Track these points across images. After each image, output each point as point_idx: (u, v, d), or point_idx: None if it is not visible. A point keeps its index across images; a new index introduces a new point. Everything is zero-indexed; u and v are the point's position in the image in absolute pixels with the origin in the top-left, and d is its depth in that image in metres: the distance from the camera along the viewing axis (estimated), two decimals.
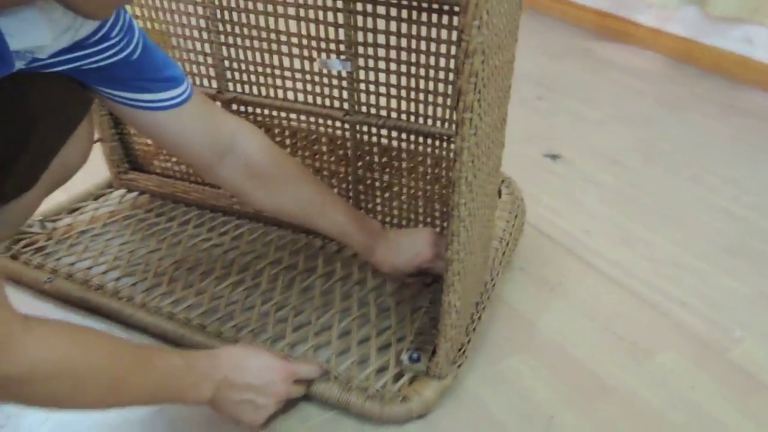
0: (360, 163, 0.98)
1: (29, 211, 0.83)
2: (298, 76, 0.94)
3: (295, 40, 0.90)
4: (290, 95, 0.98)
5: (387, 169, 0.96)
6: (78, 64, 0.66)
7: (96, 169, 1.16)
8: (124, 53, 0.69)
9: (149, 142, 1.07)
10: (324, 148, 0.99)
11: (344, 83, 0.91)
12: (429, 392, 0.79)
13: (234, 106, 0.99)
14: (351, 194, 1.02)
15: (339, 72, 0.88)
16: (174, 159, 1.08)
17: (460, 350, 0.84)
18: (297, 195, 0.83)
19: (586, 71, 2.04)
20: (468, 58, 0.54)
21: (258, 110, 0.99)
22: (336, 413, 0.80)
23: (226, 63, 0.96)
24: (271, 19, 0.90)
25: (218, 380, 0.67)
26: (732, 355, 0.95)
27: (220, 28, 0.93)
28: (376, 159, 0.96)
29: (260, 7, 0.89)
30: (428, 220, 1.01)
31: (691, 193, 1.38)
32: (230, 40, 0.94)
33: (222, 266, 1.00)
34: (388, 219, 1.04)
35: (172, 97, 0.73)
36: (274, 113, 0.99)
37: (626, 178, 1.42)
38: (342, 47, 0.87)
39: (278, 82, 0.96)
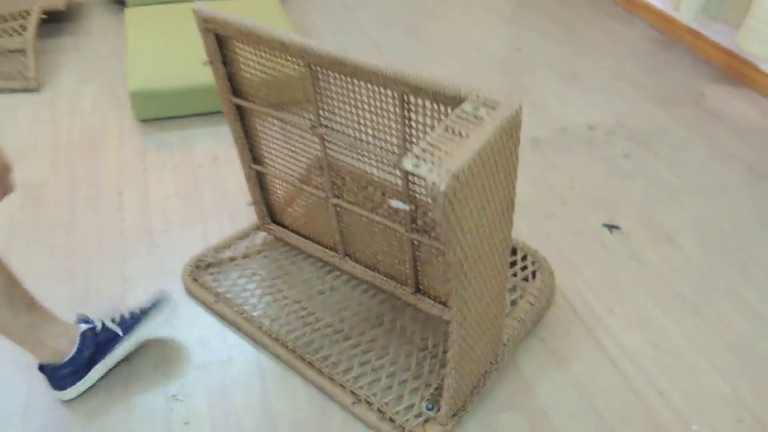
0: None
1: None
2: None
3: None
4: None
5: None
6: None
7: (251, 218, 1.66)
8: None
9: (281, 200, 1.52)
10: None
11: None
12: None
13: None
14: None
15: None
16: (296, 217, 1.52)
17: (462, 406, 1.23)
18: None
19: (688, 125, 2.17)
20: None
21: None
22: None
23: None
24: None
25: None
26: None
27: None
28: None
29: None
30: None
31: (726, 283, 1.58)
32: None
33: (322, 308, 1.45)
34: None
35: None
36: None
37: (672, 260, 1.64)
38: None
39: None
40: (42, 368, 1.23)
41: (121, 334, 1.29)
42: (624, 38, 2.76)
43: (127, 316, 1.32)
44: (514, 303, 1.44)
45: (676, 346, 1.43)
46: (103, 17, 2.78)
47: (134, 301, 1.48)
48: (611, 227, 1.75)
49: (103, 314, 1.33)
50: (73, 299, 1.47)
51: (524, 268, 1.50)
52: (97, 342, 1.26)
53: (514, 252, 1.54)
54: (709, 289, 1.57)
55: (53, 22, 2.70)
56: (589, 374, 1.36)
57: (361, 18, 2.88)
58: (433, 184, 0.75)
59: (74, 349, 1.22)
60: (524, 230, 1.72)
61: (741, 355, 1.41)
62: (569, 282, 1.57)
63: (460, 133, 0.82)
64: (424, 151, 0.79)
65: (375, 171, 1.20)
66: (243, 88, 1.28)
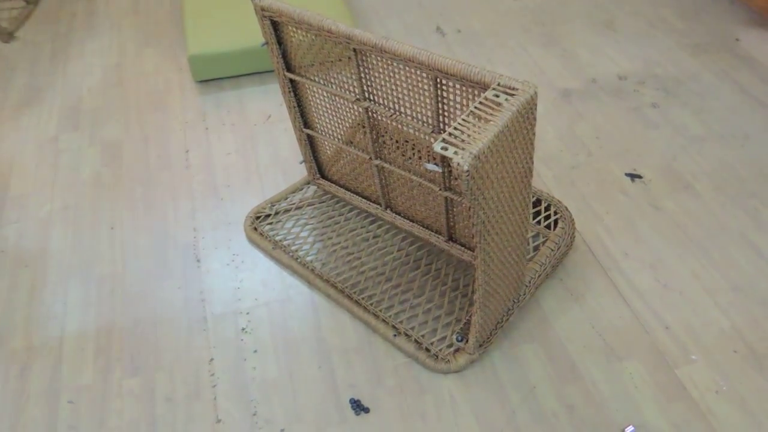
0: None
1: None
2: None
3: None
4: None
5: None
6: None
7: (302, 173, 1.86)
8: None
9: (328, 157, 1.71)
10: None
11: None
12: (462, 360, 1.41)
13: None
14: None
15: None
16: (343, 173, 1.70)
17: (488, 338, 1.44)
18: None
19: (718, 73, 2.24)
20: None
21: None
22: (410, 360, 1.46)
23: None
24: None
25: None
26: (679, 372, 1.42)
27: None
28: None
29: None
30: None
31: (738, 227, 1.72)
32: None
33: (366, 254, 1.65)
34: None
35: None
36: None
37: (688, 206, 1.78)
38: None
39: None
40: None
41: None
42: None
43: None
44: (536, 248, 1.61)
45: (683, 285, 1.59)
46: None
47: (204, 247, 1.71)
48: (633, 176, 1.88)
49: None
50: (152, 245, 1.72)
51: (547, 216, 1.67)
52: None
53: (538, 203, 1.70)
54: (720, 232, 1.71)
55: None
56: (602, 310, 1.54)
57: None
58: (458, 164, 0.92)
59: None
60: (551, 180, 1.87)
61: (743, 293, 1.56)
62: (590, 228, 1.73)
63: (482, 118, 0.98)
64: (451, 135, 0.96)
65: (412, 136, 1.37)
66: (295, 63, 1.45)
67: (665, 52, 2.34)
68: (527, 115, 1.03)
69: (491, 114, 0.99)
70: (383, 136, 1.47)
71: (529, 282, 1.51)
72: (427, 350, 1.43)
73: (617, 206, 1.80)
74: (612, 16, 2.56)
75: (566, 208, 1.68)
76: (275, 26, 1.36)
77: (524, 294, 1.50)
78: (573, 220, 1.66)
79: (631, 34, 2.45)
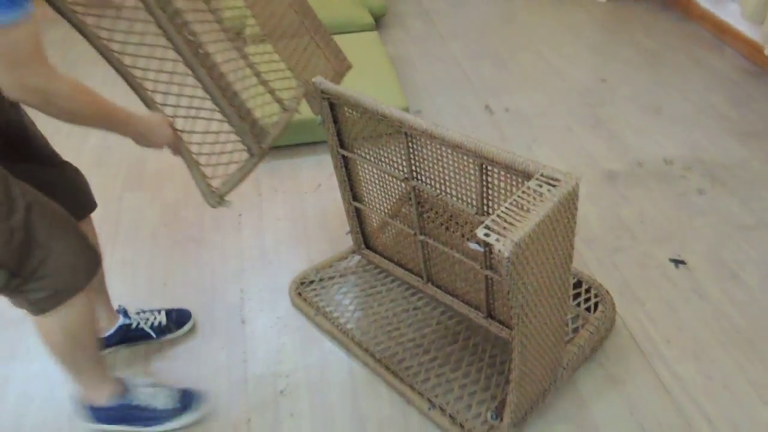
0: None
1: None
2: None
3: None
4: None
5: None
6: None
7: (348, 242, 1.93)
8: None
9: (374, 229, 1.77)
10: None
11: None
12: None
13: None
14: None
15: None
16: (387, 245, 1.76)
17: (523, 418, 1.43)
18: None
19: (766, 160, 2.24)
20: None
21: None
22: None
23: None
24: None
25: (142, 126, 1.20)
26: None
27: None
28: None
29: None
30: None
31: None
32: None
33: (405, 325, 1.68)
34: None
35: None
36: None
37: (734, 296, 1.76)
38: None
39: None
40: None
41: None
42: (711, 67, 2.81)
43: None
44: (576, 330, 1.61)
45: (728, 377, 1.56)
46: None
47: (250, 309, 1.77)
48: (678, 262, 1.88)
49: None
50: (201, 304, 1.79)
51: (588, 299, 1.68)
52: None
53: (579, 284, 1.71)
54: (767, 324, 1.68)
55: None
56: (642, 398, 1.52)
57: (454, 48, 3.09)
58: (499, 251, 0.97)
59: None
60: (593, 262, 1.88)
61: None
62: (631, 312, 1.72)
63: (524, 207, 1.03)
64: (494, 221, 1.01)
65: (456, 214, 1.42)
66: (348, 140, 1.54)
67: (713, 138, 2.36)
68: (568, 205, 1.07)
69: (533, 204, 1.03)
70: (428, 212, 1.53)
71: (567, 364, 1.51)
72: (461, 426, 1.44)
73: (660, 292, 1.79)
74: (660, 101, 2.60)
75: (607, 291, 1.68)
76: (332, 107, 1.46)
77: (561, 376, 1.50)
78: (614, 303, 1.66)
79: (679, 118, 2.48)
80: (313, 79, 1.39)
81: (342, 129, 1.52)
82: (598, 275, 1.83)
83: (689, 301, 1.76)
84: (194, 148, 1.34)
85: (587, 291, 1.70)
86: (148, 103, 1.30)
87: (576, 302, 1.68)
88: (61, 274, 1.16)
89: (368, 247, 1.85)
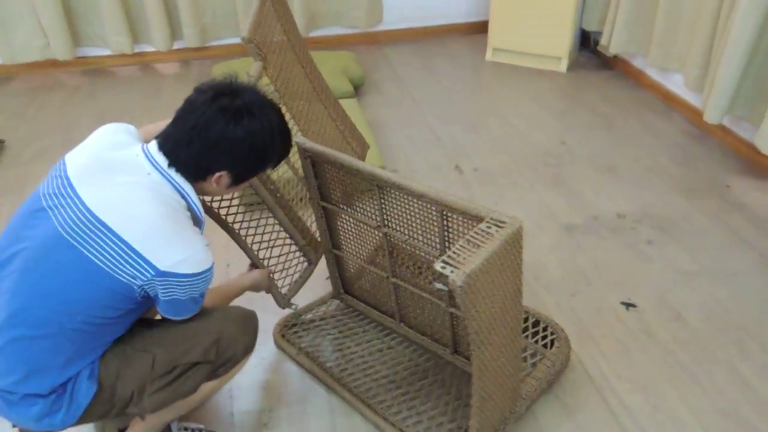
0: None
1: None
2: None
3: None
4: None
5: None
6: None
7: (327, 288, 2.09)
8: None
9: (352, 275, 1.94)
10: None
11: None
12: None
13: None
14: None
15: None
16: (363, 289, 1.93)
17: None
18: None
19: (709, 215, 2.46)
20: None
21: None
22: None
23: None
24: None
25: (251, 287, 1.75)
26: None
27: None
28: None
29: None
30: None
31: (724, 356, 1.86)
32: None
33: (380, 362, 1.83)
34: None
35: None
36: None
37: (678, 335, 1.94)
38: None
39: None
40: None
41: None
42: (660, 131, 3.09)
43: None
44: (534, 365, 1.77)
45: (672, 408, 1.72)
46: None
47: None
48: (628, 305, 2.06)
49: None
50: None
51: (545, 336, 1.84)
52: None
53: (537, 323, 1.88)
54: (708, 361, 1.85)
55: None
56: (595, 427, 1.67)
57: (426, 112, 3.34)
58: (453, 281, 1.14)
59: None
60: (551, 305, 2.06)
61: (729, 419, 1.68)
62: (586, 350, 1.89)
63: (476, 245, 1.21)
64: (449, 257, 1.19)
65: (423, 258, 1.60)
66: (328, 194, 1.73)
67: (661, 195, 2.59)
68: (514, 243, 1.26)
69: (483, 242, 1.22)
70: (400, 258, 1.71)
71: (526, 395, 1.66)
72: None
73: (613, 332, 1.96)
74: (614, 161, 2.85)
75: (562, 329, 1.85)
76: (314, 164, 1.65)
77: (521, 406, 1.65)
78: (568, 340, 1.83)
79: (631, 177, 2.73)
80: (296, 141, 1.59)
81: (322, 184, 1.71)
82: (556, 317, 2.00)
83: (638, 340, 1.93)
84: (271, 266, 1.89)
85: (545, 329, 1.87)
86: (257, 263, 1.85)
87: (534, 339, 1.85)
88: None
89: (347, 291, 2.02)
